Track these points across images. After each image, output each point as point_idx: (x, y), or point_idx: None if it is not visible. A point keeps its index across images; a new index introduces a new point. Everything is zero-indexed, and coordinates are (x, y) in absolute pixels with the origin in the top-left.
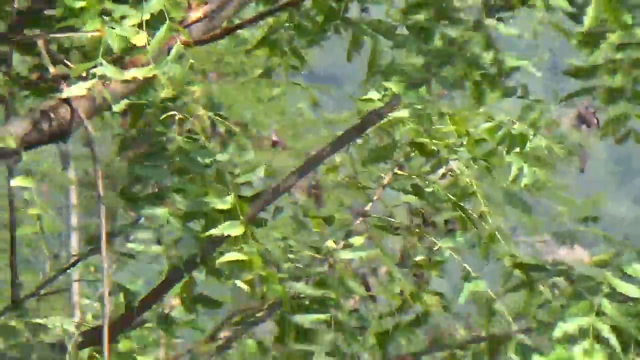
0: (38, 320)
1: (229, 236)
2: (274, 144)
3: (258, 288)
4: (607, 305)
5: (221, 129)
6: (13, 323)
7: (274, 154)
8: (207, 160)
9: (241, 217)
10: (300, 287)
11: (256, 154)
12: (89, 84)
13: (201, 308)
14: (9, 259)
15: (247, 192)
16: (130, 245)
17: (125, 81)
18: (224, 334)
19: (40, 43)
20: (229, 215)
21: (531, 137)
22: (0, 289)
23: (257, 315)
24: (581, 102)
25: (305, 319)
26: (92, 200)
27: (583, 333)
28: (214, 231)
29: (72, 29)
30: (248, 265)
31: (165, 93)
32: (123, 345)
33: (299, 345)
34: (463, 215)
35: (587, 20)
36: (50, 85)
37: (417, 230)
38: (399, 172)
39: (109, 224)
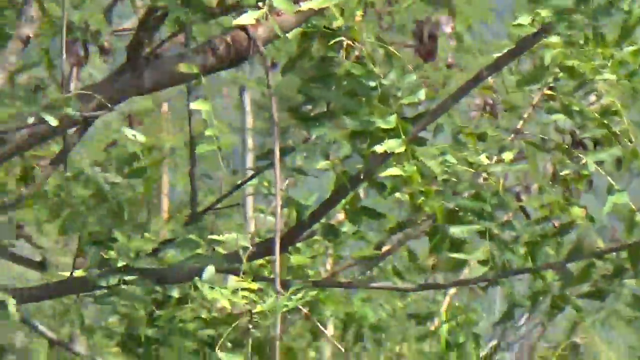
0: (215, 237)
1: (391, 153)
2: (449, 65)
3: (417, 201)
4: None
5: (381, 53)
6: (192, 236)
7: (449, 75)
8: (373, 83)
9: (403, 136)
10: (456, 200)
11: (432, 74)
12: (258, 13)
13: (366, 220)
14: (189, 176)
15: (410, 113)
16: (300, 162)
17: (298, 11)
18: (386, 247)
19: None
20: (391, 134)
21: None
22: (181, 204)
23: (416, 227)
24: None
25: (460, 230)
26: (266, 121)
27: None
28: (377, 148)
29: None
30: (408, 181)
31: (337, 23)
32: (295, 259)
33: (453, 255)
34: (608, 132)
35: None
36: (229, 13)
37: (566, 148)
38: (548, 92)
39: (282, 142)
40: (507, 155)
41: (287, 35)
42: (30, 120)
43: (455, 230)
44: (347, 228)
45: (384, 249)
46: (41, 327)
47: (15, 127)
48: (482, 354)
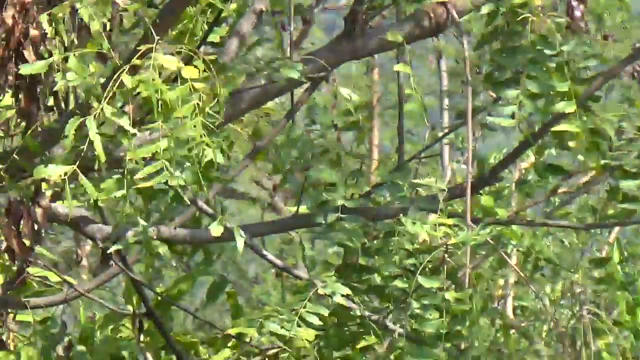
0: (417, 181)
1: (564, 113)
2: (605, 37)
3: (585, 156)
4: None
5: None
6: (397, 181)
7: (606, 46)
8: (553, 52)
9: (574, 98)
10: (626, 158)
11: (592, 44)
12: None
13: (549, 173)
14: (397, 130)
15: (583, 77)
16: (490, 119)
17: None
18: (562, 190)
19: None
20: (565, 96)
21: None
22: (389, 154)
23: (588, 179)
24: None
25: (629, 184)
26: (460, 85)
27: None
28: (553, 109)
29: None
30: (576, 136)
31: (519, 0)
32: (484, 200)
33: (625, 205)
34: None
35: None
36: None
37: None
38: None
39: (474, 103)
40: None
41: (480, 10)
42: (262, 81)
43: (626, 184)
44: (531, 176)
45: (560, 190)
46: (270, 256)
47: (249, 87)
48: None
